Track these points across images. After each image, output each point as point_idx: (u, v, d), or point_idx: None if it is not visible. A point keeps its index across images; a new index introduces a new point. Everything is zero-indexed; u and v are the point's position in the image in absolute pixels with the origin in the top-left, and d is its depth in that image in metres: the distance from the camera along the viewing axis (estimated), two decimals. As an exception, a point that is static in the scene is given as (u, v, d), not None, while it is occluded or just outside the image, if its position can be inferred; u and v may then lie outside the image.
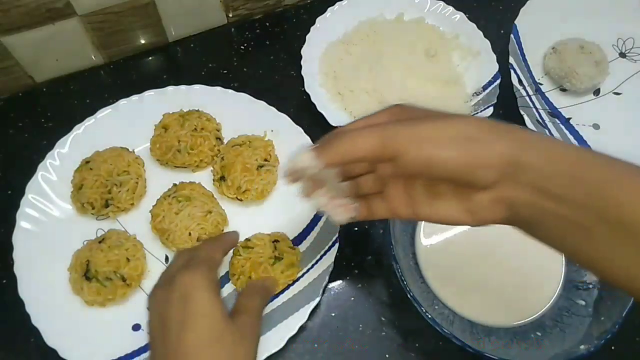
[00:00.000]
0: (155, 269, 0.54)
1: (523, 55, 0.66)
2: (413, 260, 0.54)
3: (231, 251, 0.52)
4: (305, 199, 0.38)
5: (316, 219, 0.56)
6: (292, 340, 0.51)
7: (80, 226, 0.55)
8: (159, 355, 0.38)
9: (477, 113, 0.63)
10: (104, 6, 0.60)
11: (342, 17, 0.69)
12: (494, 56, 0.67)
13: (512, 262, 0.54)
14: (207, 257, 0.43)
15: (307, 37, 0.66)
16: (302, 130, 0.59)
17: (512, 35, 0.66)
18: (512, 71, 0.64)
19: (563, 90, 0.68)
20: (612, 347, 0.52)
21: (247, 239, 0.53)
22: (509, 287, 0.53)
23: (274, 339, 0.50)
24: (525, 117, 0.61)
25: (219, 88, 0.62)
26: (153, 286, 0.42)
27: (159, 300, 0.40)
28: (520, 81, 0.64)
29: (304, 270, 0.54)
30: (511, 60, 0.65)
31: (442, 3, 0.71)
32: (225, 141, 0.60)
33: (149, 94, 0.61)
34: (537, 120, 0.63)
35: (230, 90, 0.62)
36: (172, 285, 0.39)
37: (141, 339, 0.50)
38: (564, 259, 0.54)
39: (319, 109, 0.61)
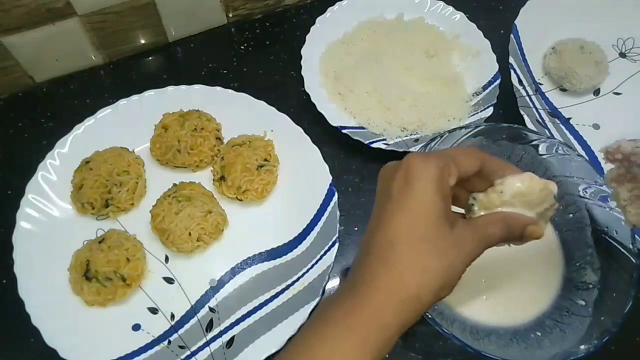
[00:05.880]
0: (155, 269, 0.54)
1: (523, 55, 0.66)
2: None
3: None
4: (610, 183, 0.36)
5: (316, 219, 0.56)
6: (292, 339, 0.50)
7: (80, 226, 0.55)
8: (372, 225, 0.36)
9: (477, 113, 0.63)
10: (104, 6, 0.60)
11: (342, 17, 0.69)
12: (494, 56, 0.67)
13: (512, 262, 0.53)
14: (453, 155, 0.37)
15: (307, 37, 0.66)
16: (302, 130, 0.59)
17: (512, 35, 0.66)
18: (512, 71, 0.64)
19: (563, 90, 0.68)
20: (612, 347, 0.52)
21: None
22: (509, 287, 0.53)
23: (274, 339, 0.50)
24: (525, 117, 0.61)
25: (219, 88, 0.62)
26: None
27: (387, 171, 0.38)
28: (520, 81, 0.64)
29: (304, 270, 0.54)
30: (511, 60, 0.64)
31: (442, 3, 0.71)
32: (225, 141, 0.60)
33: (149, 94, 0.61)
34: (537, 120, 0.63)
35: (230, 90, 0.62)
36: (401, 163, 0.36)
37: (141, 339, 0.50)
38: (563, 259, 0.54)
39: (319, 109, 0.61)
